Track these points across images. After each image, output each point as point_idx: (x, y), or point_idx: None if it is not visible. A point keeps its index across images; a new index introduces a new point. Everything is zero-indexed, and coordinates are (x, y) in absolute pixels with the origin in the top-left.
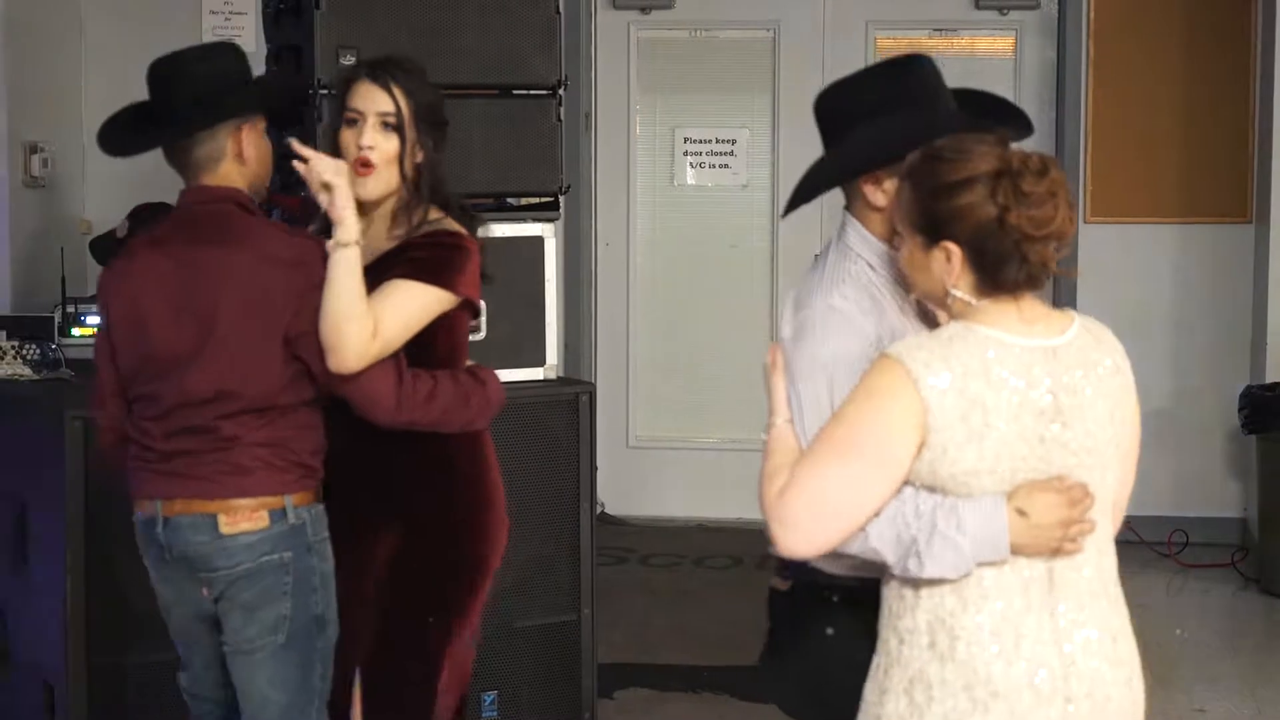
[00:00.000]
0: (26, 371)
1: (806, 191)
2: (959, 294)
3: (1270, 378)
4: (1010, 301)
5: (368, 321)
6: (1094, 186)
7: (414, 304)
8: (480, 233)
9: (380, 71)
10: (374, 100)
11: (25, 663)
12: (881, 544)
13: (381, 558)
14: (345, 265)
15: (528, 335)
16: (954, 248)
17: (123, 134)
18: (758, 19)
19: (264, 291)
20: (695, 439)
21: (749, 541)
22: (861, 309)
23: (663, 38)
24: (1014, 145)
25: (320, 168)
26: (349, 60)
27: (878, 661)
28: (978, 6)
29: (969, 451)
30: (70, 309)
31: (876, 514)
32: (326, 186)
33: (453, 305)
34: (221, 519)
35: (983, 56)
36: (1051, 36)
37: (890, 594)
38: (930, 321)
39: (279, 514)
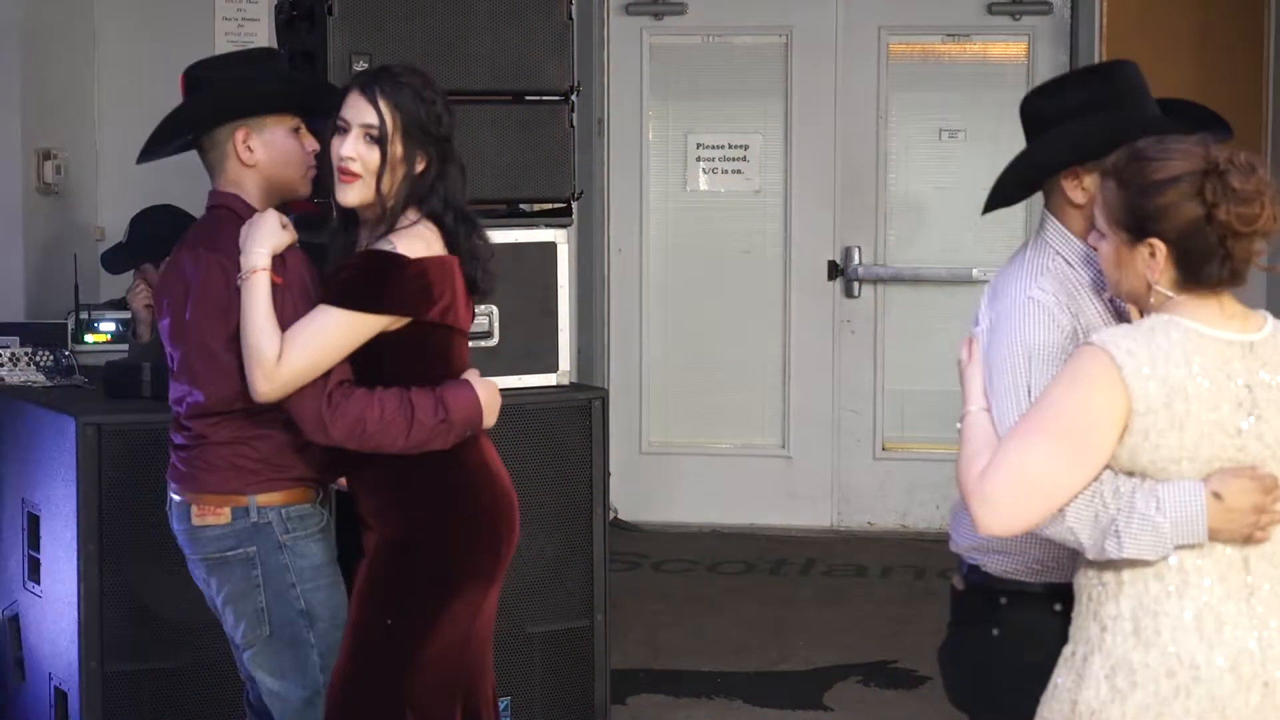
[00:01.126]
0: (40, 378)
1: (1008, 187)
2: (1161, 289)
3: None
4: (1212, 297)
5: (269, 351)
6: None
7: (327, 329)
8: (469, 244)
9: (370, 83)
10: (359, 112)
11: (39, 670)
12: (1078, 524)
13: (362, 566)
14: (246, 294)
15: (540, 341)
16: (1159, 244)
17: (153, 140)
18: (770, 24)
19: (225, 298)
20: (708, 445)
21: (763, 547)
22: (1059, 302)
23: (675, 43)
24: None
25: None
26: (361, 66)
27: (1073, 649)
28: (990, 11)
29: (1171, 438)
30: (83, 316)
31: (1075, 497)
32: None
33: (389, 326)
34: (193, 509)
35: (995, 62)
36: (1064, 42)
37: (1088, 582)
38: (1124, 323)
39: (241, 511)
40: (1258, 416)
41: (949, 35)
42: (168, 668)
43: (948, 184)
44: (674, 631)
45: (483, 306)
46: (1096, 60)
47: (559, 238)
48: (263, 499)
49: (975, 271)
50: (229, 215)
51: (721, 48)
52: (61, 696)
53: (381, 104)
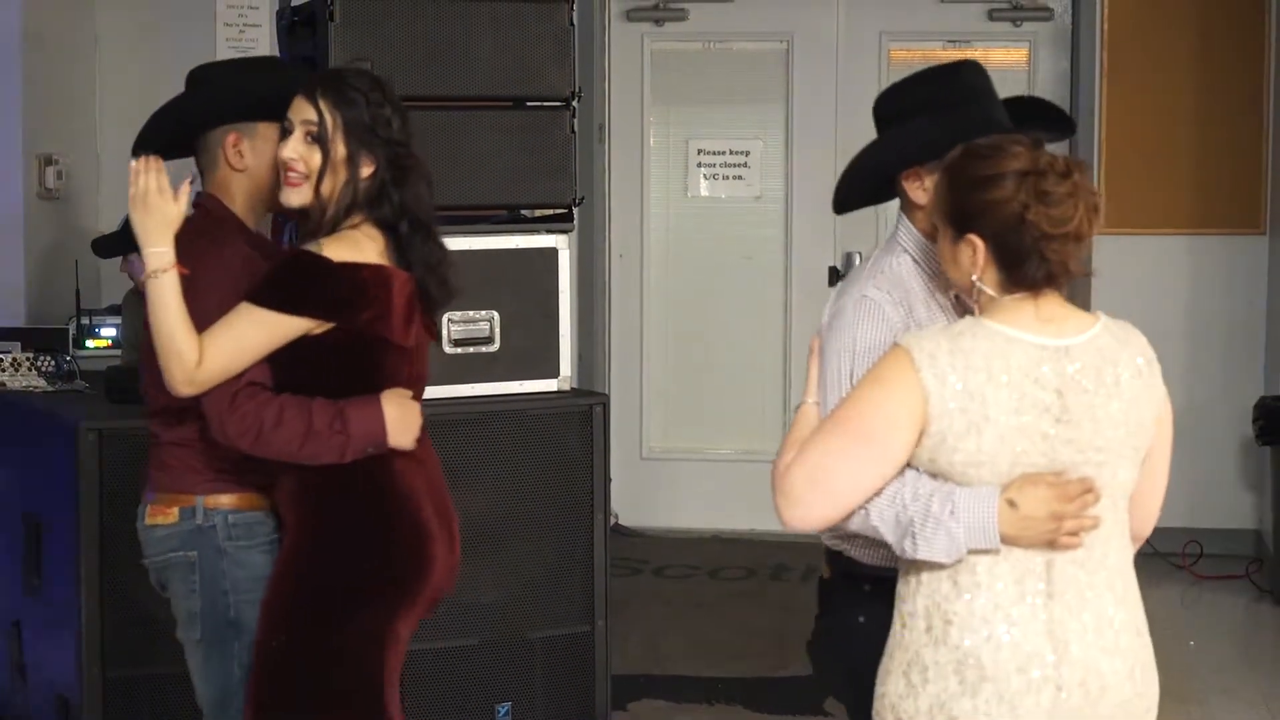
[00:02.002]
0: (41, 384)
1: (848, 190)
2: (983, 287)
3: None
4: (1029, 299)
5: (188, 353)
6: (1107, 198)
7: (245, 328)
8: (423, 252)
9: (312, 85)
10: (300, 110)
11: (41, 677)
12: (881, 523)
13: None
14: (152, 295)
15: (541, 347)
16: (978, 241)
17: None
18: (771, 31)
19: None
20: (709, 450)
21: (763, 553)
22: (893, 300)
23: (676, 49)
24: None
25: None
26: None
27: (887, 645)
28: (991, 18)
29: (967, 442)
30: (84, 321)
31: (879, 494)
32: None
33: (312, 330)
34: (145, 510)
35: (997, 68)
36: (1065, 47)
37: (899, 580)
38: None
39: (188, 512)
40: (1067, 422)
41: (950, 41)
42: (169, 674)
43: None
44: (675, 637)
45: (483, 312)
46: (1097, 66)
47: (560, 243)
48: (210, 500)
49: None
50: (203, 217)
51: (722, 54)
52: (63, 702)
53: (322, 104)
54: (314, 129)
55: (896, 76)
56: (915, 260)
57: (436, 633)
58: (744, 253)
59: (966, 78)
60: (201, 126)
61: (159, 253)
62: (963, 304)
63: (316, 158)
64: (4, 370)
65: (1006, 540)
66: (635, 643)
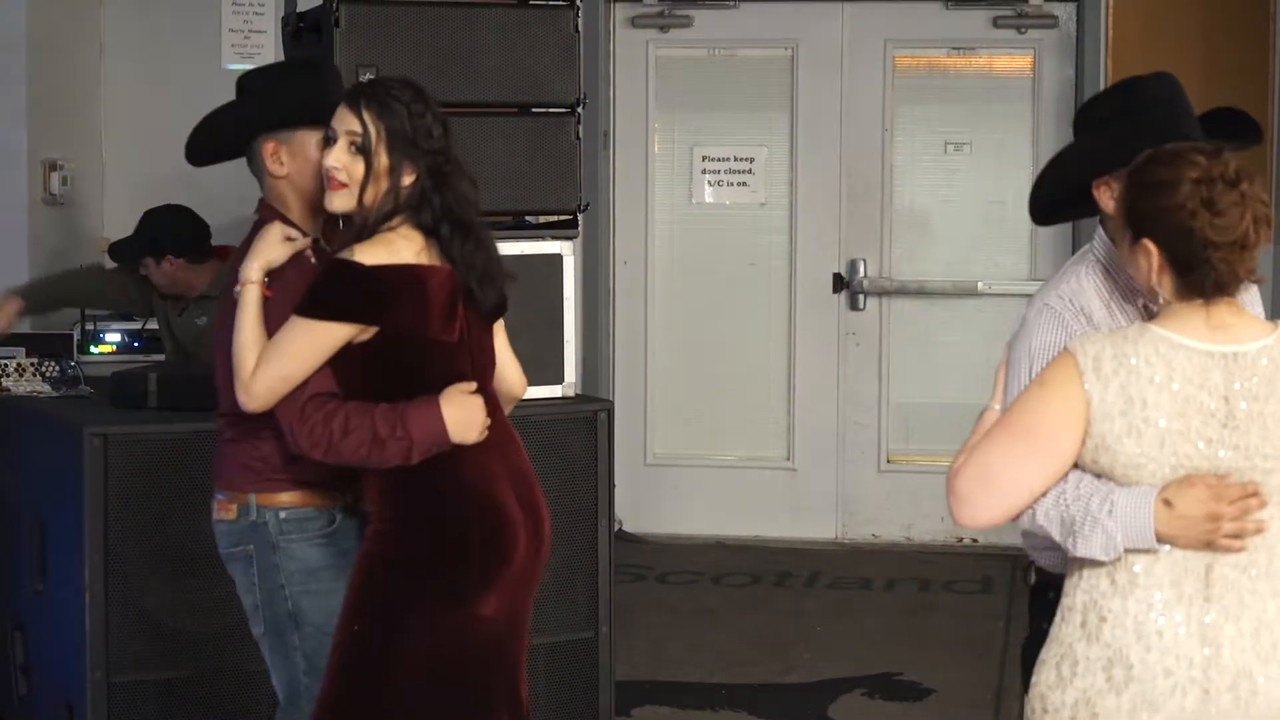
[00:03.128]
0: (46, 389)
1: (1045, 200)
2: (1162, 293)
3: None
4: (1200, 306)
5: (247, 364)
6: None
7: (291, 339)
8: (462, 253)
9: (356, 95)
10: (345, 121)
11: (46, 680)
12: (1048, 522)
13: None
14: (238, 308)
15: (546, 353)
16: (1152, 247)
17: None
18: (776, 38)
19: (231, 305)
20: (713, 456)
21: (767, 559)
22: (1073, 309)
23: (681, 56)
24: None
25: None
26: (368, 78)
27: (1048, 637)
28: (996, 25)
29: (1128, 444)
30: (89, 327)
31: (1045, 494)
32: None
33: (358, 336)
34: (215, 506)
35: (1001, 75)
36: (1070, 55)
37: (1065, 576)
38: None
39: (244, 509)
40: (1233, 428)
41: (955, 48)
42: (174, 678)
43: (953, 197)
44: (678, 643)
45: None
46: (1101, 73)
47: (565, 249)
48: (261, 499)
49: (980, 284)
50: (258, 225)
51: (727, 61)
52: (67, 707)
53: (366, 115)
54: (358, 139)
55: (901, 84)
56: (1106, 268)
57: None
58: (748, 259)
59: (1153, 89)
60: (238, 138)
61: (252, 267)
62: (1149, 311)
63: (360, 167)
64: (8, 375)
65: (1163, 540)
66: (639, 649)
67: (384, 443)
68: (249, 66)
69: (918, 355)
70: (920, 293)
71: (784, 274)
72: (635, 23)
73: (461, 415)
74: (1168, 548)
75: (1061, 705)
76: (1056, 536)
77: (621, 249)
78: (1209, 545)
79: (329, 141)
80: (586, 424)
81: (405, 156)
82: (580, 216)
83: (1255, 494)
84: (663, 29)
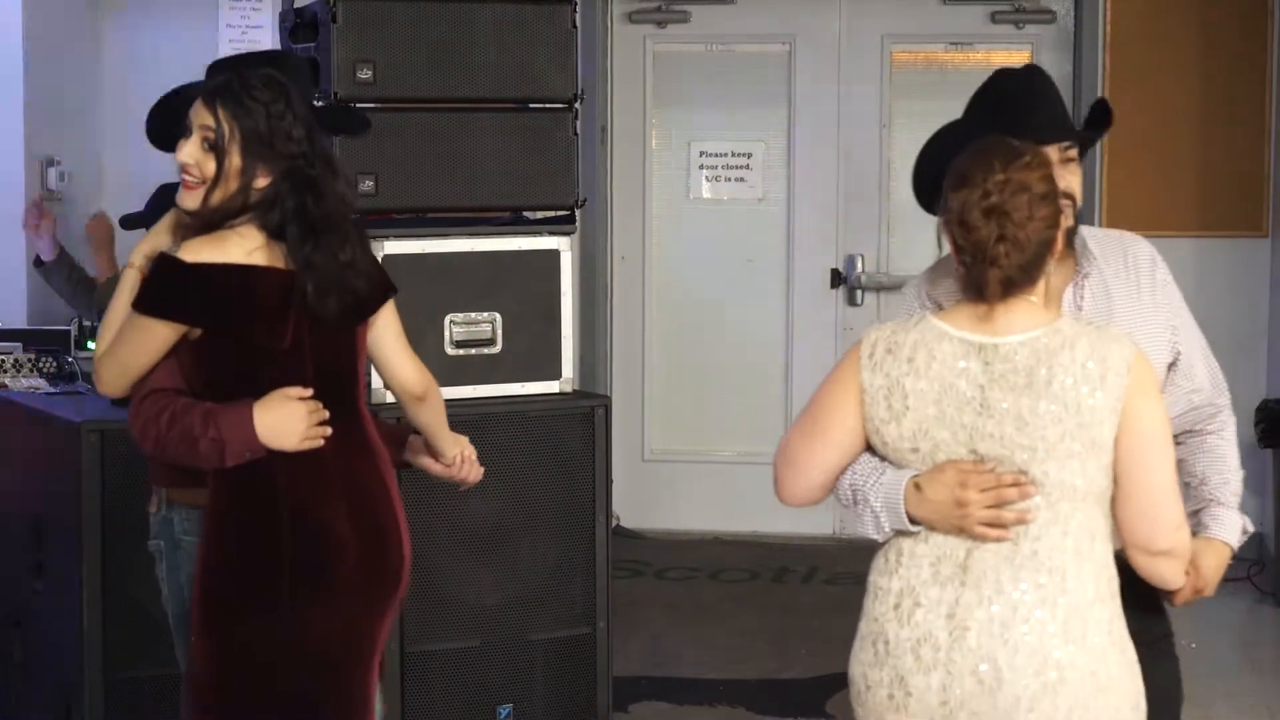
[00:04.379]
0: (42, 384)
1: (917, 191)
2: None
3: None
4: (973, 299)
5: (100, 347)
6: (1110, 199)
7: (125, 331)
8: (305, 256)
9: (213, 91)
10: (199, 116)
11: (42, 677)
12: (840, 499)
13: None
14: (118, 286)
15: (543, 348)
16: (948, 236)
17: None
18: (774, 33)
19: None
20: (711, 452)
21: (765, 555)
22: (919, 293)
23: (679, 51)
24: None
25: None
26: (365, 74)
27: None
28: (994, 20)
29: (891, 429)
30: (86, 322)
31: (836, 473)
32: None
33: (189, 333)
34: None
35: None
36: (1068, 50)
37: None
38: None
39: (160, 504)
40: (988, 417)
41: (952, 44)
42: (171, 674)
43: None
44: (676, 639)
45: (485, 314)
46: (1099, 68)
47: (562, 245)
48: (172, 494)
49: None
50: None
51: (724, 56)
52: (65, 703)
53: (221, 113)
54: (210, 135)
55: (898, 79)
56: None
57: (438, 634)
58: (746, 255)
59: (1011, 81)
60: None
61: (139, 252)
62: None
63: (211, 165)
64: (5, 371)
65: (920, 523)
66: (637, 645)
67: (197, 441)
68: None
69: None
70: None
71: (781, 269)
72: (633, 18)
73: (275, 420)
74: (924, 530)
75: (851, 674)
76: (851, 513)
77: (619, 244)
78: (962, 531)
79: (185, 135)
80: (584, 419)
81: (259, 159)
82: (577, 212)
83: (1017, 483)
84: (660, 24)
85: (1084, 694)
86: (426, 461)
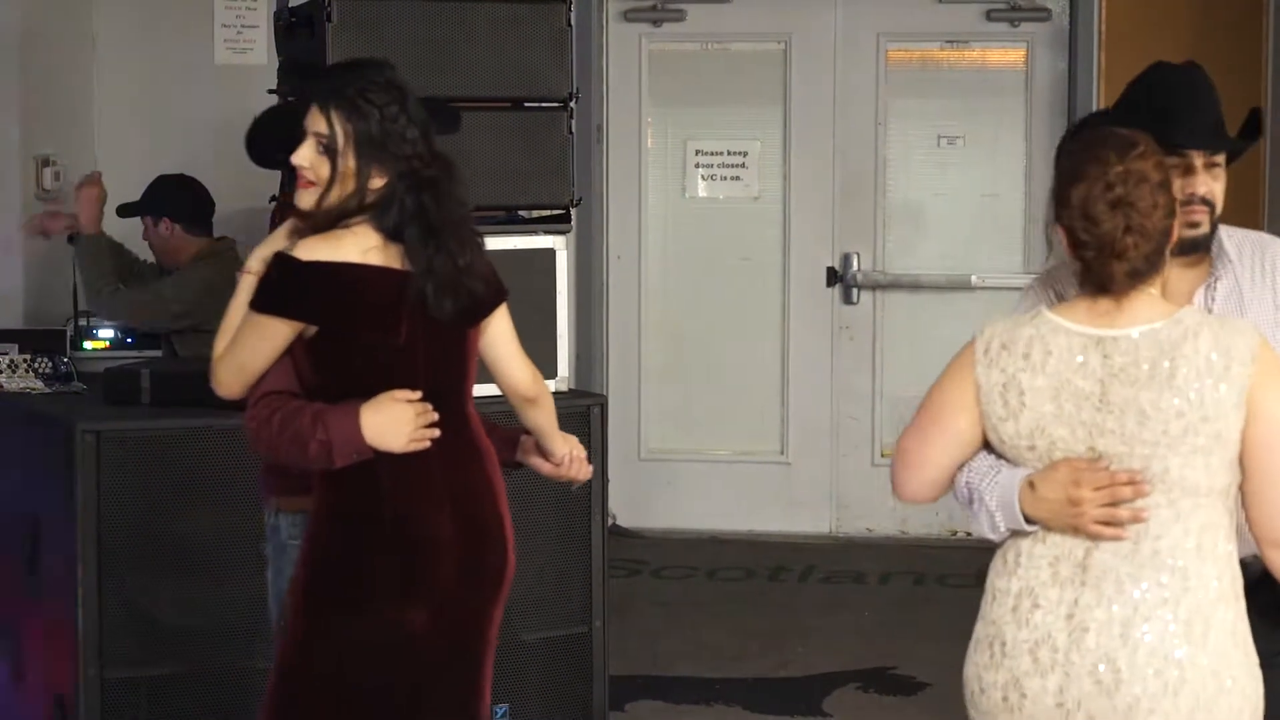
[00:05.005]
0: (39, 385)
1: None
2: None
3: None
4: (1094, 294)
5: (218, 349)
6: None
7: (242, 330)
8: (426, 260)
9: (326, 95)
10: (313, 121)
11: (38, 678)
12: (958, 498)
13: None
14: (236, 291)
15: (539, 347)
16: (1062, 232)
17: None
18: (769, 31)
19: None
20: (707, 451)
21: (762, 554)
22: (1044, 286)
23: (674, 50)
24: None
25: None
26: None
27: None
28: (989, 18)
29: (1008, 426)
30: (82, 322)
31: (951, 471)
32: None
33: (304, 332)
34: None
35: (994, 68)
36: (1063, 48)
37: None
38: None
39: (269, 511)
40: (1108, 413)
41: (948, 42)
42: (167, 674)
43: (946, 190)
44: (673, 638)
45: None
46: (1094, 66)
47: (558, 244)
48: (280, 502)
49: (974, 278)
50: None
51: (720, 54)
52: (61, 703)
53: (334, 117)
54: (325, 140)
55: (894, 77)
56: None
57: None
58: (742, 253)
59: (1155, 76)
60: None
61: (255, 257)
62: None
63: (326, 168)
64: (1, 372)
65: (1033, 522)
66: (633, 644)
67: (307, 444)
68: (240, 62)
69: (911, 349)
70: (914, 286)
71: (777, 268)
72: (628, 17)
73: (382, 421)
74: (1041, 530)
75: (965, 675)
76: (967, 512)
77: (615, 243)
78: (1076, 530)
79: (300, 140)
80: (580, 419)
81: (374, 160)
82: (573, 211)
83: (1132, 481)
84: (656, 23)
85: (1206, 695)
86: (537, 461)
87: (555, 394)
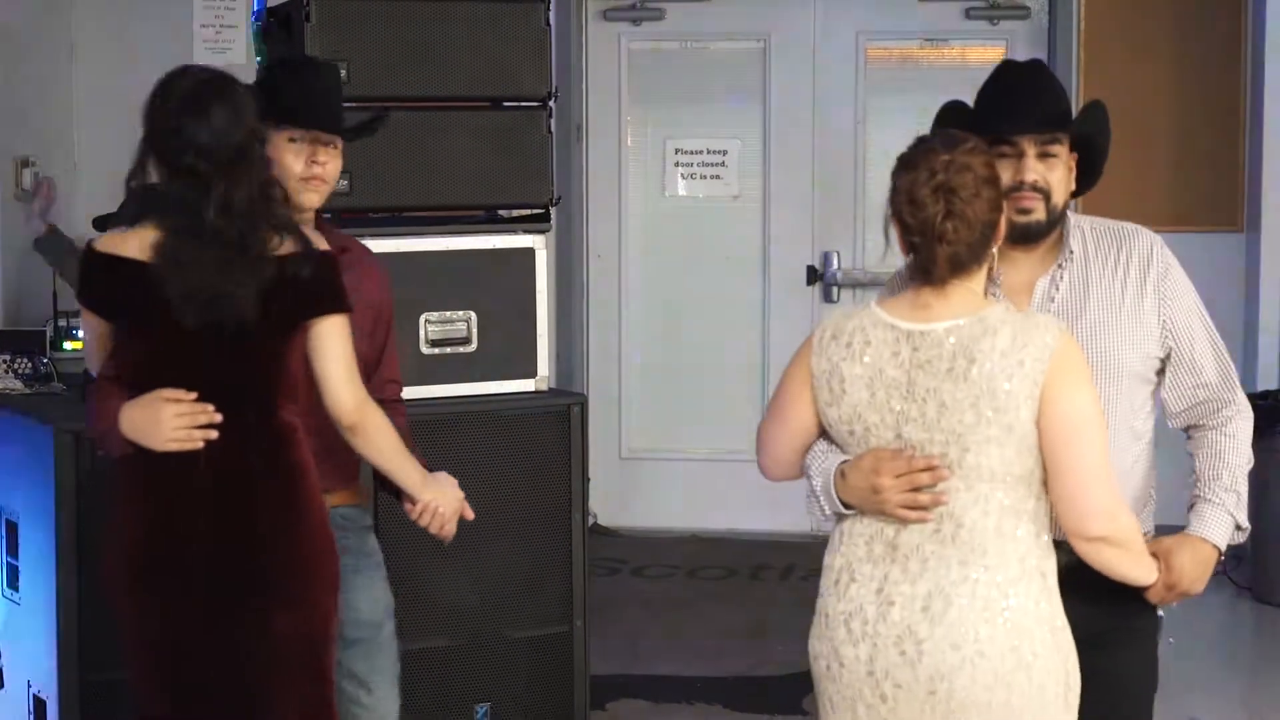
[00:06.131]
0: (18, 385)
1: None
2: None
3: (1261, 386)
4: (918, 287)
5: None
6: (1084, 195)
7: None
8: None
9: None
10: None
11: (18, 679)
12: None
13: None
14: None
15: (519, 347)
16: (896, 225)
17: None
18: (748, 30)
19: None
20: (687, 450)
21: (742, 552)
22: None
23: (654, 49)
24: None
25: None
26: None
27: None
28: (968, 16)
29: (831, 412)
30: (62, 323)
31: (793, 453)
32: None
33: (95, 318)
34: None
35: (974, 66)
36: (1042, 46)
37: None
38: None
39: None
40: (913, 402)
41: (927, 40)
42: None
43: None
44: (654, 637)
45: (460, 312)
46: (1074, 64)
47: (537, 243)
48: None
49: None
50: None
51: (700, 53)
52: (40, 705)
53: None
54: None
55: (873, 75)
56: None
57: (415, 633)
58: (722, 252)
59: (1001, 73)
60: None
61: None
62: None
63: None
64: None
65: (852, 506)
66: (614, 643)
67: (91, 428)
68: (221, 62)
69: None
70: None
71: (757, 266)
72: (607, 16)
73: (138, 417)
74: (858, 511)
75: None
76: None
77: (594, 242)
78: (882, 514)
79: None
80: (560, 418)
81: (149, 157)
82: (553, 210)
83: (929, 467)
84: (635, 22)
85: (1004, 669)
86: (406, 503)
87: (535, 393)
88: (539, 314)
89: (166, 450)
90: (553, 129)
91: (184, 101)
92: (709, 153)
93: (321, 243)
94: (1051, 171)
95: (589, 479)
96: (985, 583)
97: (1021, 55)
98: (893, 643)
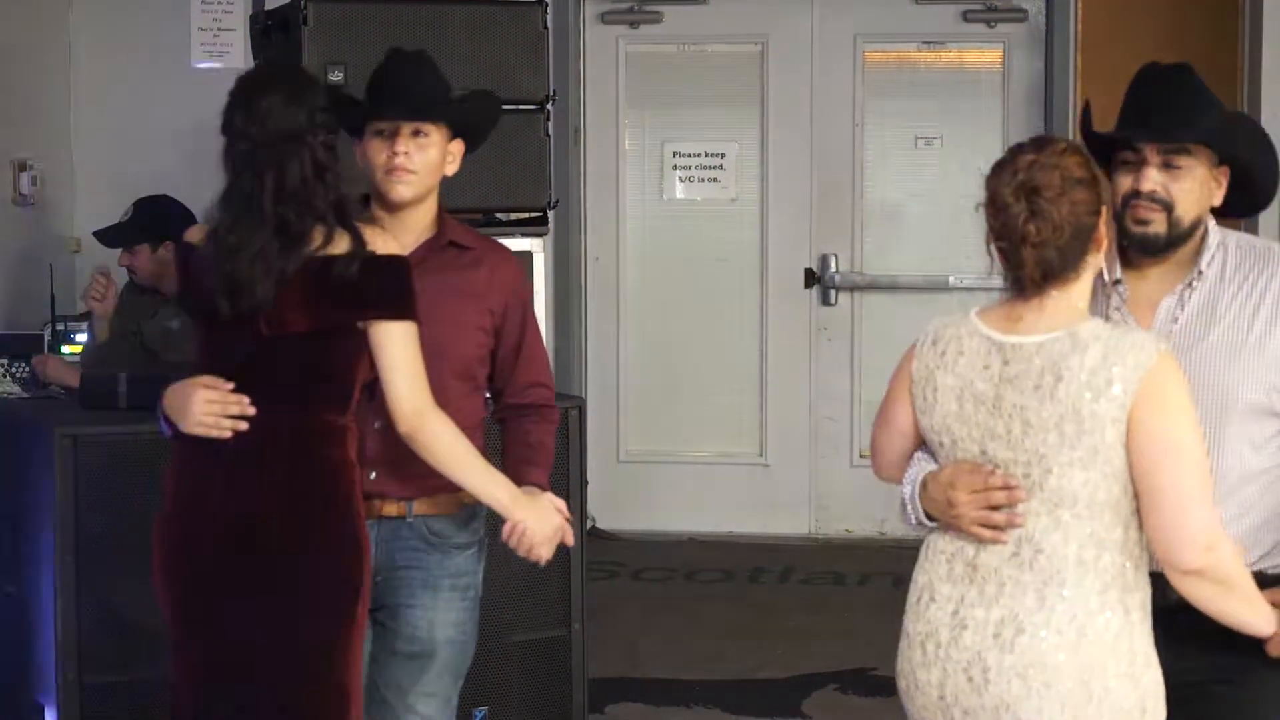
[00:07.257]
0: (16, 390)
1: None
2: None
3: None
4: (1016, 298)
5: None
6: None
7: None
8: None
9: None
10: None
11: (16, 682)
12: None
13: None
14: None
15: None
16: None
17: None
18: (746, 33)
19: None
20: (686, 453)
21: (741, 555)
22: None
23: (651, 52)
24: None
25: None
26: (336, 76)
27: None
28: (966, 19)
29: (924, 420)
30: (60, 327)
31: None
32: None
33: None
34: None
35: (971, 69)
36: (1039, 48)
37: None
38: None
39: None
40: (999, 417)
41: (925, 43)
42: (146, 679)
43: (924, 191)
44: (652, 640)
45: None
46: (1071, 67)
47: (535, 247)
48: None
49: (952, 279)
50: None
51: (698, 56)
52: (39, 708)
53: None
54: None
55: (871, 78)
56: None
57: None
58: (720, 255)
59: (1139, 79)
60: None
61: None
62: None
63: None
64: None
65: (933, 519)
66: (612, 646)
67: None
68: (218, 65)
69: (889, 350)
70: (892, 287)
71: (755, 269)
72: (605, 19)
73: (173, 399)
74: (942, 526)
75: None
76: None
77: (593, 246)
78: (958, 530)
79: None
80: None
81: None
82: (551, 213)
83: (1006, 487)
84: (633, 25)
85: (1073, 702)
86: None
87: None
88: (537, 317)
89: (194, 434)
90: (551, 132)
91: (233, 94)
92: (707, 155)
93: (387, 246)
94: (1176, 182)
95: (587, 482)
96: (1061, 612)
97: (1018, 59)
98: (962, 668)
